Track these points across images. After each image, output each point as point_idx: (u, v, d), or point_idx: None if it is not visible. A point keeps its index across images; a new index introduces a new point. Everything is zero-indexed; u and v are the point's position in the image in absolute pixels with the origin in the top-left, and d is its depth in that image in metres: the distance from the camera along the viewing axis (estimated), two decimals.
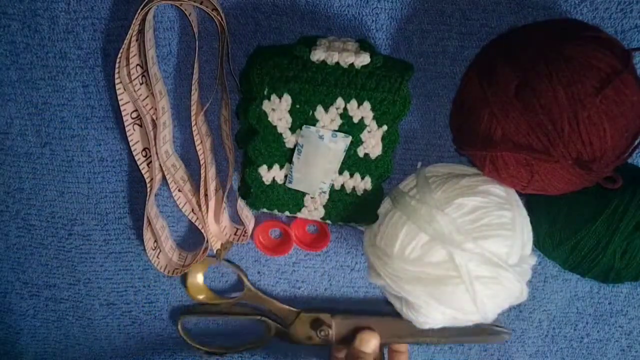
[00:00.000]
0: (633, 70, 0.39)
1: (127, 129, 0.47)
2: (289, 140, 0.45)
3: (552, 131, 0.38)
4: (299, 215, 0.49)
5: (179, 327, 0.55)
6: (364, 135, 0.44)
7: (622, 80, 0.38)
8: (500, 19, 0.45)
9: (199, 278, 0.54)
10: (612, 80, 0.37)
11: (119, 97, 0.46)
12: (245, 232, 0.51)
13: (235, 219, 0.52)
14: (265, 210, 0.49)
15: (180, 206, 0.50)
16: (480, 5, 0.45)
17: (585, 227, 0.43)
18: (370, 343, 0.51)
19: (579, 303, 0.54)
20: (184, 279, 0.54)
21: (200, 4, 0.44)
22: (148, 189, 0.49)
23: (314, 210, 0.48)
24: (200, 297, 0.54)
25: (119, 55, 0.44)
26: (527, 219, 0.44)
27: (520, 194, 0.45)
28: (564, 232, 0.44)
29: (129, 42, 0.44)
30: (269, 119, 0.44)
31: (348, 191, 0.47)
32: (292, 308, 0.54)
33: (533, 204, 0.46)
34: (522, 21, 0.45)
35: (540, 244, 0.46)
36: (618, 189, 0.40)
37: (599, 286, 0.53)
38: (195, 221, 0.50)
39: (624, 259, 0.43)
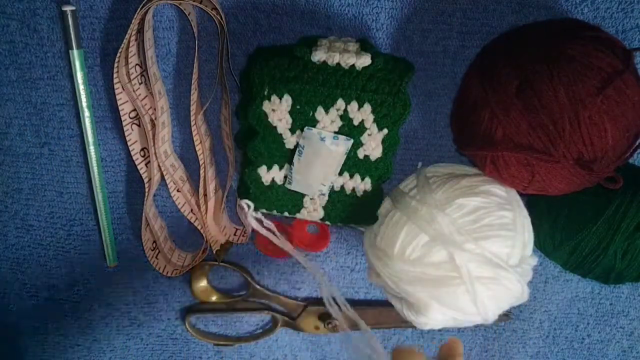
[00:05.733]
0: (634, 70, 0.39)
1: (125, 128, 0.47)
2: (289, 141, 0.45)
3: (553, 131, 0.38)
4: (298, 216, 0.49)
5: (187, 325, 0.55)
6: (364, 138, 0.44)
7: (623, 80, 0.38)
8: (501, 18, 0.45)
9: (204, 283, 0.53)
10: (613, 80, 0.37)
11: (117, 97, 0.45)
12: (244, 232, 0.51)
13: (235, 219, 0.52)
14: (264, 210, 0.48)
15: (180, 206, 0.50)
16: (481, 4, 0.45)
17: (586, 228, 0.43)
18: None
19: (580, 304, 0.54)
20: (189, 287, 0.54)
21: (200, 3, 0.44)
22: (146, 189, 0.48)
23: (313, 211, 0.48)
24: (209, 299, 0.54)
25: (118, 55, 0.44)
26: (528, 220, 0.44)
27: (521, 194, 0.44)
28: (565, 232, 0.44)
29: (128, 42, 0.44)
30: (269, 119, 0.44)
31: (348, 192, 0.47)
32: (298, 302, 0.54)
33: (534, 205, 0.46)
34: (523, 21, 0.45)
35: (541, 244, 0.46)
36: (619, 189, 0.40)
37: (600, 287, 0.53)
38: (194, 221, 0.50)
39: (625, 259, 0.43)
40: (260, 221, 0.49)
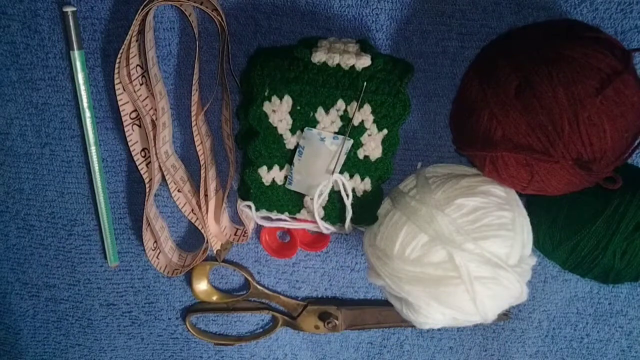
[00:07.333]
0: (633, 70, 0.39)
1: (126, 129, 0.47)
2: (289, 141, 0.45)
3: (552, 131, 0.38)
4: (298, 216, 0.49)
5: (187, 324, 0.55)
6: (364, 138, 0.44)
7: (622, 80, 0.38)
8: (500, 19, 0.45)
9: (204, 283, 0.54)
10: (612, 81, 0.37)
11: (118, 98, 0.46)
12: (245, 232, 0.51)
13: (236, 219, 0.52)
14: (264, 211, 0.49)
15: (180, 207, 0.50)
16: (480, 5, 0.45)
17: (585, 228, 0.43)
18: None
19: (579, 303, 0.54)
20: (190, 287, 0.54)
21: (201, 4, 0.44)
22: (147, 190, 0.49)
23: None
24: (209, 299, 0.54)
25: (119, 56, 0.44)
26: (527, 220, 0.44)
27: (520, 195, 0.45)
28: (564, 232, 0.44)
29: (129, 43, 0.44)
30: (270, 120, 0.44)
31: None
32: (298, 301, 0.55)
33: (533, 205, 0.46)
34: (522, 22, 0.45)
35: (540, 244, 0.46)
36: (618, 189, 0.40)
37: (599, 286, 0.54)
38: (195, 222, 0.50)
39: (624, 259, 0.43)
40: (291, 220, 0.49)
